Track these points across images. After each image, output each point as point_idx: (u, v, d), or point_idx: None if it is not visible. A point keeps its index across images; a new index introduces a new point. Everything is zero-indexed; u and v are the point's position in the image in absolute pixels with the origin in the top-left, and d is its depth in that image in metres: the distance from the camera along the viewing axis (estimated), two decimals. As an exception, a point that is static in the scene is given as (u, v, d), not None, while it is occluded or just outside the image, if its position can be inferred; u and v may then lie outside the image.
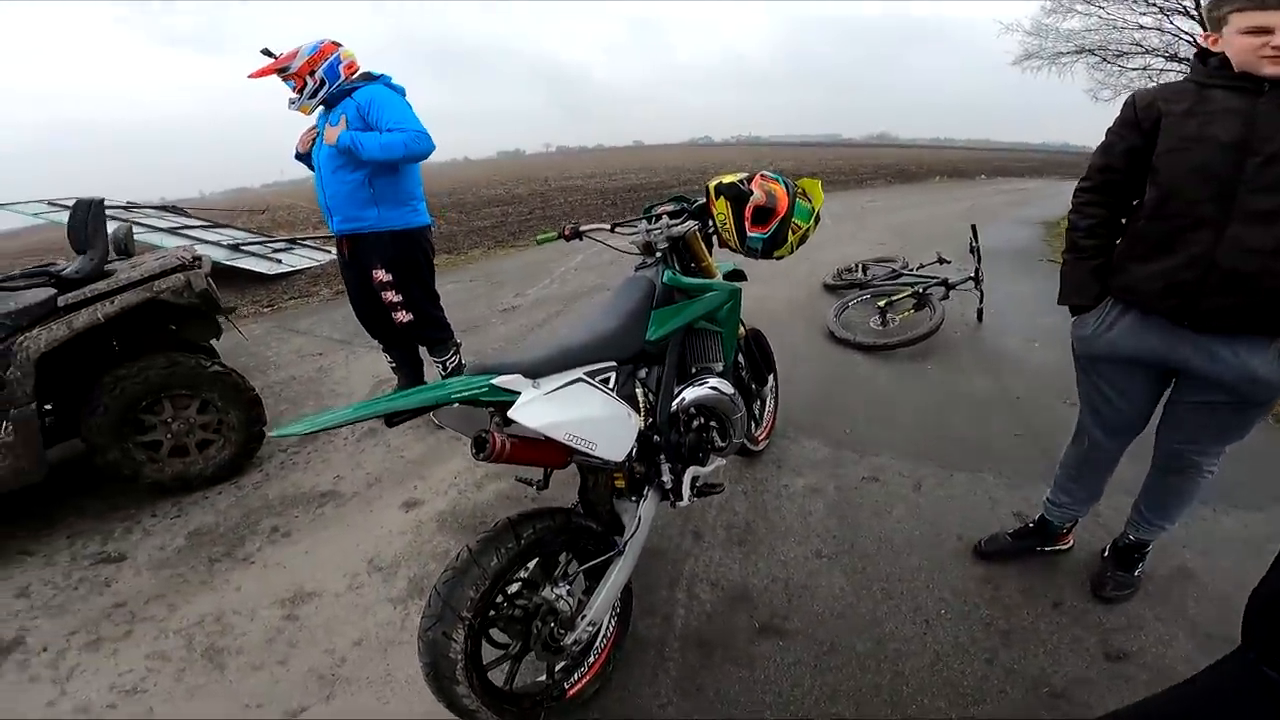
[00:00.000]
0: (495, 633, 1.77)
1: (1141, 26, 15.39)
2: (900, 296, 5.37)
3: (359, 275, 3.60)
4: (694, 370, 2.51)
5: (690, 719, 2.05)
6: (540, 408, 1.56)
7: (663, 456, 2.11)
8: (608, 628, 2.14)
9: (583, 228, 2.70)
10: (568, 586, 1.82)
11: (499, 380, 1.53)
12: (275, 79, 3.28)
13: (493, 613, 1.69)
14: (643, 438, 1.97)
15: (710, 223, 2.60)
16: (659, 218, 2.51)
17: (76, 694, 2.13)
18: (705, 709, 2.07)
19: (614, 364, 1.94)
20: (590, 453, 1.67)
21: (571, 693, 1.96)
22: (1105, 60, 16.60)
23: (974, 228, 5.56)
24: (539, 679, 1.98)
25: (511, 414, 1.50)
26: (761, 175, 2.56)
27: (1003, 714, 2.01)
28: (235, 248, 8.20)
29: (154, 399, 3.17)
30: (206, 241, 8.02)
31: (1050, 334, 5.15)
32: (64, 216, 4.55)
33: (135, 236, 3.97)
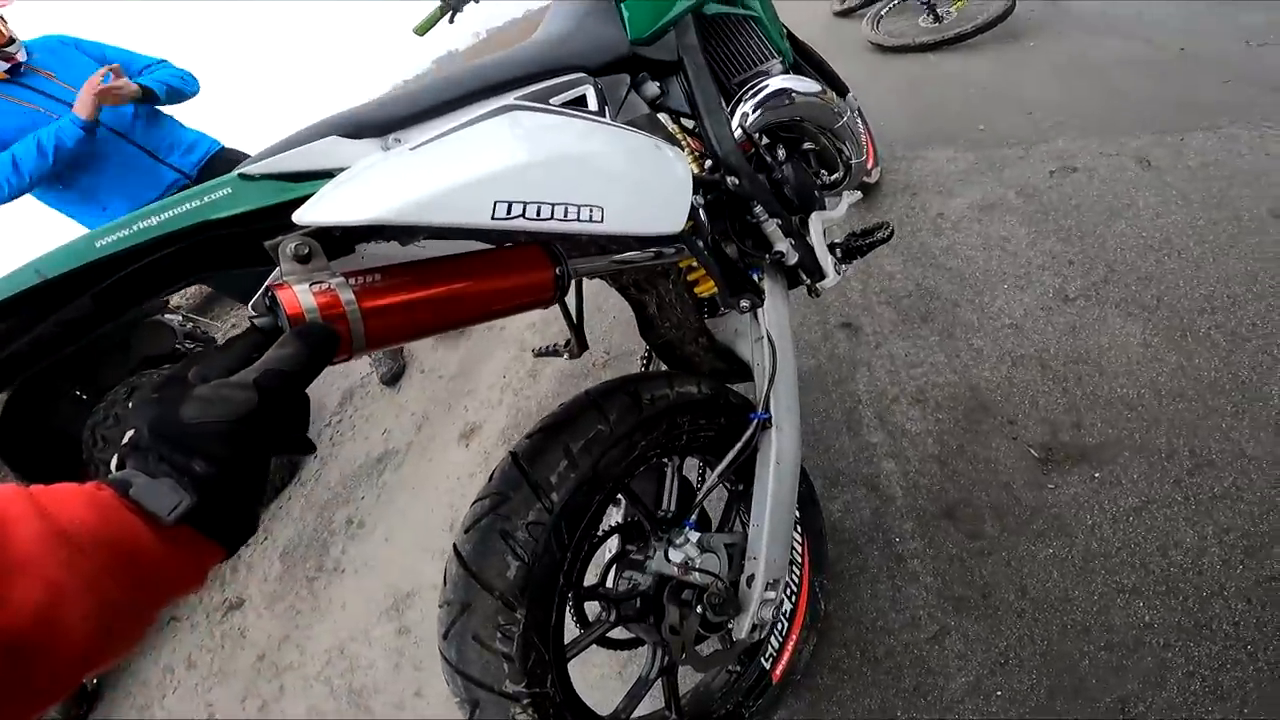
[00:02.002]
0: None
1: None
2: None
3: None
4: (738, 86, 1.41)
5: (993, 647, 1.04)
6: (391, 174, 0.57)
7: (758, 209, 1.11)
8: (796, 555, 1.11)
9: None
10: (693, 535, 0.92)
11: (262, 165, 0.58)
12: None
13: (582, 646, 0.88)
14: (704, 188, 1.05)
15: None
16: None
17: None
18: (1011, 625, 1.06)
19: (583, 75, 0.89)
20: (591, 228, 0.66)
21: (780, 671, 1.08)
22: None
23: None
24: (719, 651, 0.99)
25: (303, 214, 0.53)
26: None
27: None
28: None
29: None
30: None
31: None
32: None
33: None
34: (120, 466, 0.43)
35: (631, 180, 0.74)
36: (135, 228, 0.50)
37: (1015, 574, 1.07)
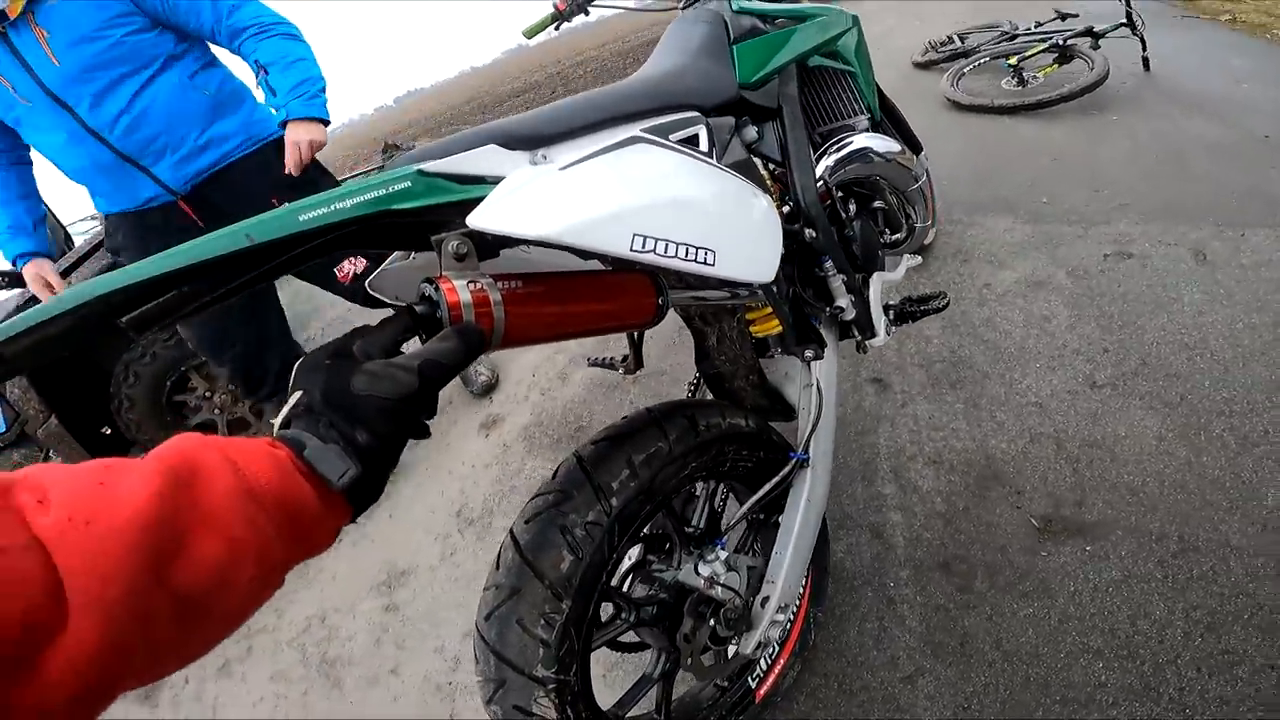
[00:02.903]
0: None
1: None
2: (1033, 53, 4.34)
3: None
4: (823, 136, 1.56)
5: (961, 692, 1.18)
6: (548, 193, 0.66)
7: (828, 264, 1.20)
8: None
9: None
10: (722, 554, 1.02)
11: (443, 164, 0.66)
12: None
13: (597, 643, 0.97)
14: (787, 238, 1.06)
15: None
16: None
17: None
18: (982, 673, 1.19)
19: (696, 113, 0.99)
20: (702, 269, 0.73)
21: (763, 692, 1.21)
22: None
23: None
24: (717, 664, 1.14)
25: (476, 219, 0.61)
26: None
27: None
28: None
29: (177, 375, 2.69)
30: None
31: (1255, 73, 3.81)
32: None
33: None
34: (285, 426, 0.47)
35: (738, 227, 0.82)
36: (332, 207, 0.56)
37: (994, 628, 1.22)
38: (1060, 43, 4.23)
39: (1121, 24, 4.16)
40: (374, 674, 1.74)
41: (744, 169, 1.03)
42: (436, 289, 0.59)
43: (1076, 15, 4.54)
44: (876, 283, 1.31)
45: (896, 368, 1.88)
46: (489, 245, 0.67)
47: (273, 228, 0.54)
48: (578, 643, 0.84)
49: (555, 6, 1.73)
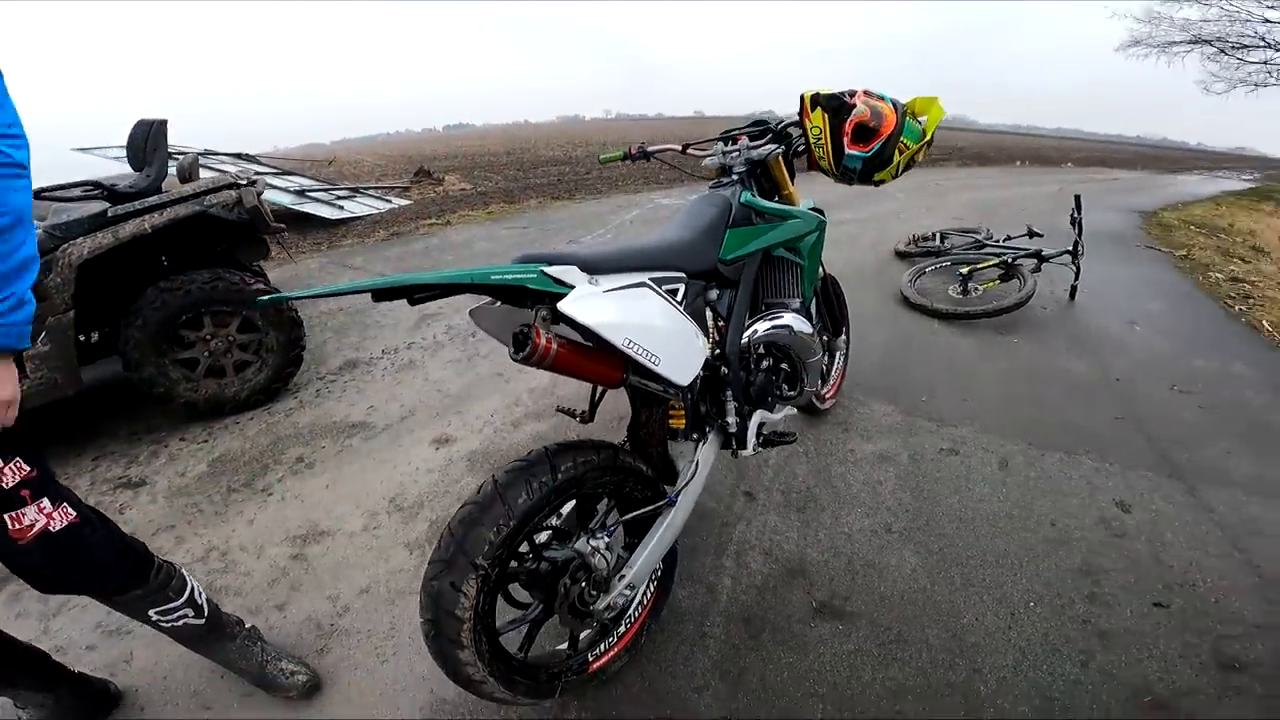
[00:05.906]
0: (514, 588, 1.60)
1: (1267, 20, 15.46)
2: (985, 266, 5.16)
3: None
4: (766, 305, 2.30)
5: (728, 707, 1.81)
6: (597, 304, 1.33)
7: (729, 393, 1.92)
8: (645, 593, 1.91)
9: (651, 148, 2.57)
10: (606, 539, 1.58)
11: (552, 270, 1.31)
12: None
13: (515, 564, 1.49)
14: (708, 367, 1.77)
15: (795, 143, 2.37)
16: (736, 140, 2.34)
17: (58, 633, 2.05)
18: (746, 696, 1.84)
19: (683, 275, 1.72)
20: (652, 366, 1.42)
21: (595, 666, 1.75)
22: (1223, 52, 16.68)
23: (1077, 198, 5.23)
24: (559, 647, 1.76)
25: (564, 306, 1.26)
26: (865, 91, 2.24)
27: (1098, 726, 1.75)
28: (301, 193, 8.59)
29: (195, 314, 3.15)
30: (275, 186, 8.40)
31: (1153, 318, 4.87)
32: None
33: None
34: None
35: (677, 350, 1.49)
36: (506, 277, 1.20)
37: (763, 668, 1.89)
38: (1009, 260, 5.04)
39: (1066, 251, 5.03)
40: (257, 606, 2.05)
41: (698, 316, 1.75)
42: (531, 333, 1.27)
43: (1042, 235, 5.46)
44: (757, 416, 2.03)
45: (765, 488, 2.66)
46: (557, 317, 1.30)
47: (480, 276, 1.17)
48: (505, 551, 1.34)
49: (629, 150, 2.58)
